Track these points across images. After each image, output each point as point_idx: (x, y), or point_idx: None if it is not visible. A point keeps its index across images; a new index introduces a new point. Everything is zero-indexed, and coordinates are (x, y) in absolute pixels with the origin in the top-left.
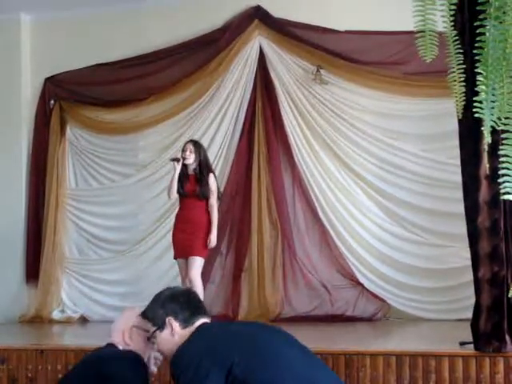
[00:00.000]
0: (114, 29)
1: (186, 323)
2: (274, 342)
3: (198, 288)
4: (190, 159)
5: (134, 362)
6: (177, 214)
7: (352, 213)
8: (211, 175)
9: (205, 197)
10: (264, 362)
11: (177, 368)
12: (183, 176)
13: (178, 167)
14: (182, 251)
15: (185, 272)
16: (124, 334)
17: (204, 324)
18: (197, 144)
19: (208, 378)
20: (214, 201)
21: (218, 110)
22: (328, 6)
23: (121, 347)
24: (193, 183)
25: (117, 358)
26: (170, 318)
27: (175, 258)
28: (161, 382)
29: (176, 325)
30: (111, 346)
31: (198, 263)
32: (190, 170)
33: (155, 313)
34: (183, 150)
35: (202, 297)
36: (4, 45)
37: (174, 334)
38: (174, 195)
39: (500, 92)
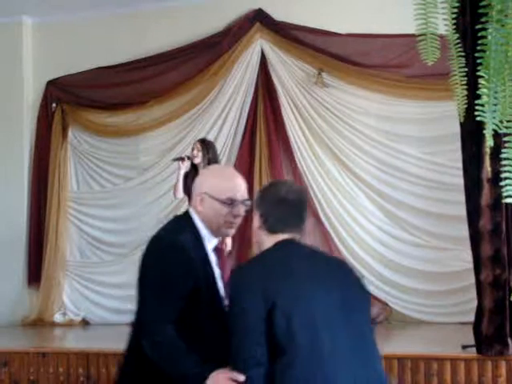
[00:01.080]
0: (116, 32)
1: (269, 229)
2: (324, 307)
3: None
4: (198, 158)
5: (167, 247)
6: None
7: (353, 215)
8: None
9: None
10: (303, 321)
11: (230, 283)
12: (192, 175)
13: (183, 166)
14: None
15: None
16: (197, 197)
17: (283, 242)
18: (204, 142)
19: (247, 309)
20: None
21: (220, 113)
22: (329, 9)
23: (192, 212)
24: None
25: (152, 242)
26: (260, 213)
27: None
28: None
29: (261, 222)
30: (186, 212)
31: None
32: (200, 169)
33: (256, 199)
34: (192, 149)
35: None
36: (6, 48)
37: (258, 230)
38: (179, 195)
39: (502, 95)
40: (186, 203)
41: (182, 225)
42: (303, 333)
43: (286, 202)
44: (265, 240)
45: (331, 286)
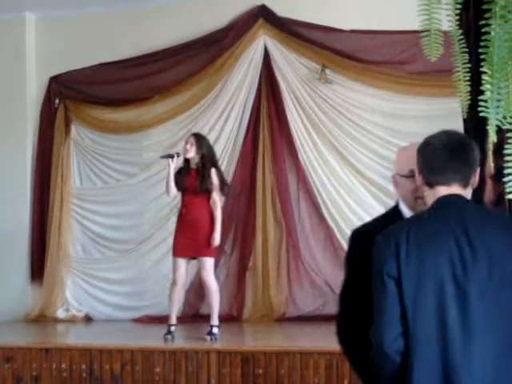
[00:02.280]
0: (119, 28)
1: (426, 182)
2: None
3: (213, 290)
4: (191, 152)
5: (352, 239)
6: (179, 212)
7: (357, 212)
8: (213, 169)
9: (204, 191)
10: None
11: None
12: (185, 171)
13: (172, 164)
14: (184, 251)
15: (180, 273)
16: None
17: (442, 199)
18: (198, 137)
19: (381, 285)
20: (216, 196)
21: (223, 109)
22: (333, 5)
23: (398, 197)
24: (194, 178)
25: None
26: (417, 165)
27: (175, 256)
28: (165, 381)
29: (420, 179)
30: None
31: (208, 264)
32: (193, 164)
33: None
34: (185, 143)
35: (217, 300)
36: (9, 44)
37: (421, 186)
38: (173, 193)
39: (505, 91)
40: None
41: (386, 212)
42: (427, 319)
43: (435, 148)
44: (426, 196)
45: (487, 258)
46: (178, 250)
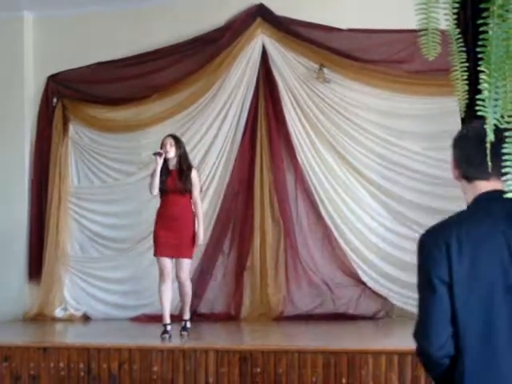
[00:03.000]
0: (117, 27)
1: (463, 176)
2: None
3: (189, 289)
4: (171, 153)
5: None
6: (158, 212)
7: (355, 211)
8: (194, 170)
9: (187, 191)
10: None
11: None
12: (164, 172)
13: (160, 162)
14: (167, 250)
15: (167, 270)
16: None
17: (483, 196)
18: (176, 138)
19: (429, 286)
20: (197, 196)
21: (221, 108)
22: (331, 5)
23: None
24: (174, 178)
25: None
26: (454, 162)
27: (156, 256)
28: (163, 380)
29: (457, 172)
30: None
31: (186, 264)
32: (171, 165)
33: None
34: (163, 145)
35: (190, 296)
36: (7, 43)
37: (458, 181)
38: (156, 191)
39: (503, 90)
40: (159, 199)
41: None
42: (477, 323)
43: (470, 140)
44: (465, 191)
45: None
46: (161, 250)
